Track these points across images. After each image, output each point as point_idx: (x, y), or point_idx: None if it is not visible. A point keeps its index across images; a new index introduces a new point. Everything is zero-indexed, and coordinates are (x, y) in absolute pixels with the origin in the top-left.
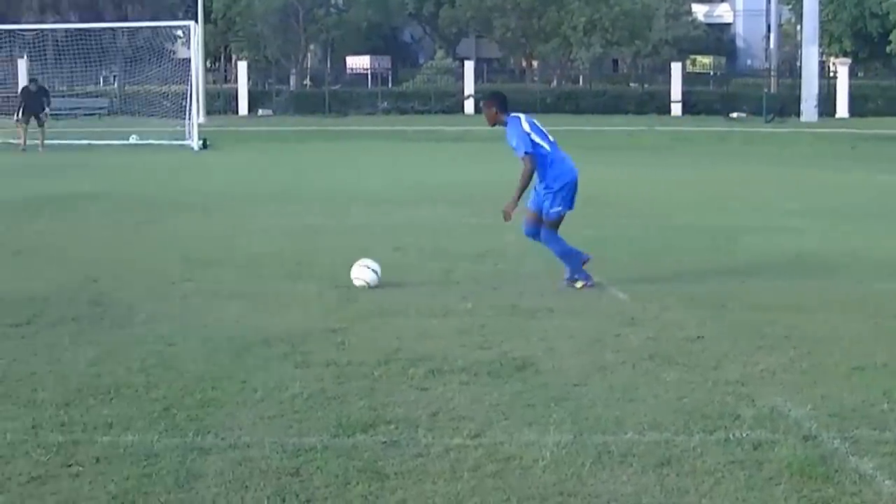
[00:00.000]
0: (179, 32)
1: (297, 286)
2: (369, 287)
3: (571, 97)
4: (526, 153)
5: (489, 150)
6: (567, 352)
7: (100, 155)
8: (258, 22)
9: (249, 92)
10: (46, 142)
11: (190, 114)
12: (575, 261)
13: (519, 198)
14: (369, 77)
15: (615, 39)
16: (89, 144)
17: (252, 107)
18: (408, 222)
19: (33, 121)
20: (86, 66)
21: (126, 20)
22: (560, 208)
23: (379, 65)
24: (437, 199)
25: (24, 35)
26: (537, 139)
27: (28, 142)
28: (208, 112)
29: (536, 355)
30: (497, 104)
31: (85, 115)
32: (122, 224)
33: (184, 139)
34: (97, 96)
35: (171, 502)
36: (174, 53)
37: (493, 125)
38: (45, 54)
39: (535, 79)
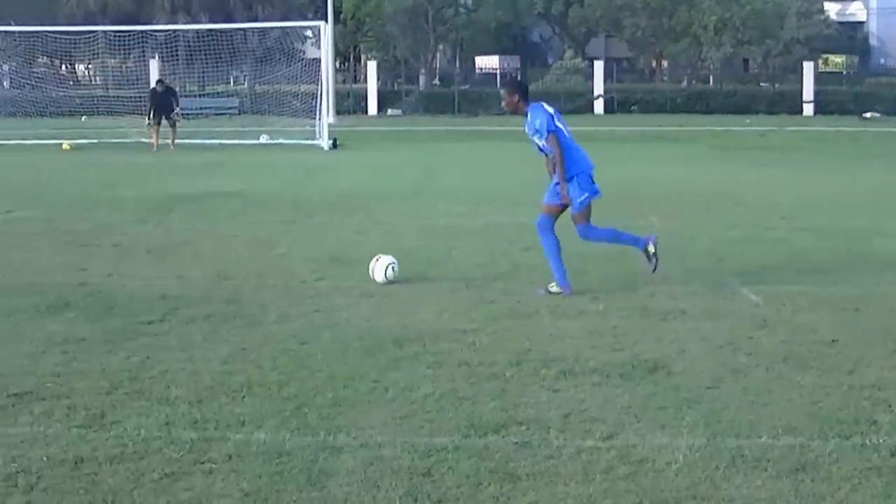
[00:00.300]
0: (309, 33)
1: (428, 286)
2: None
3: (702, 97)
4: (549, 131)
5: (621, 149)
6: (699, 354)
7: (231, 154)
8: (387, 22)
9: (379, 92)
10: (178, 141)
11: (320, 113)
12: (558, 268)
13: (565, 176)
14: (498, 77)
15: (746, 39)
16: (220, 144)
17: (381, 107)
18: None
19: (165, 121)
20: (216, 67)
21: (256, 21)
22: (586, 194)
23: (508, 65)
24: None
25: (155, 36)
26: (558, 124)
27: (161, 141)
28: (338, 112)
29: (668, 357)
30: (519, 92)
31: (215, 114)
32: (254, 223)
33: (314, 139)
34: (228, 96)
35: (302, 501)
36: (304, 53)
37: (514, 113)
38: (177, 55)
39: (665, 79)
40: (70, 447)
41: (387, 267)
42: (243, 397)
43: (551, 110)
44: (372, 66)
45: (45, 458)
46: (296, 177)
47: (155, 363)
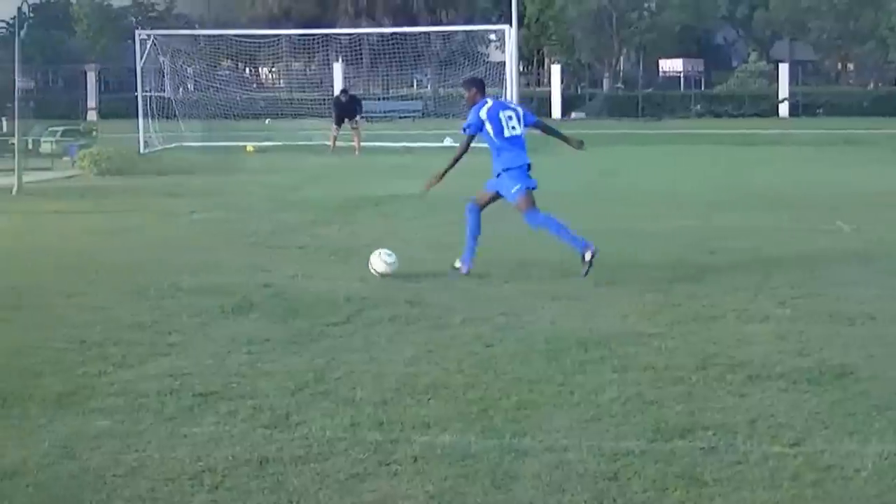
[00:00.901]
0: (493, 36)
1: (613, 289)
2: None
3: (889, 100)
4: (464, 130)
5: (808, 153)
6: (888, 359)
7: (415, 157)
8: (571, 26)
9: (562, 95)
10: (362, 144)
11: None
12: (470, 249)
13: (444, 174)
14: (682, 80)
15: None
16: (405, 147)
17: (565, 110)
18: (723, 225)
19: (347, 123)
20: (399, 70)
21: (440, 24)
22: (519, 185)
23: (692, 68)
24: (752, 203)
25: (339, 39)
26: (502, 120)
27: (343, 144)
28: None
29: (856, 363)
30: (477, 86)
31: (399, 117)
32: (436, 225)
33: None
34: (411, 99)
35: (487, 503)
36: (487, 57)
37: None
38: (360, 58)
39: (851, 81)
40: (255, 447)
41: (379, 255)
42: (428, 399)
43: (485, 113)
44: (556, 70)
45: (230, 458)
46: (479, 179)
47: (340, 364)
